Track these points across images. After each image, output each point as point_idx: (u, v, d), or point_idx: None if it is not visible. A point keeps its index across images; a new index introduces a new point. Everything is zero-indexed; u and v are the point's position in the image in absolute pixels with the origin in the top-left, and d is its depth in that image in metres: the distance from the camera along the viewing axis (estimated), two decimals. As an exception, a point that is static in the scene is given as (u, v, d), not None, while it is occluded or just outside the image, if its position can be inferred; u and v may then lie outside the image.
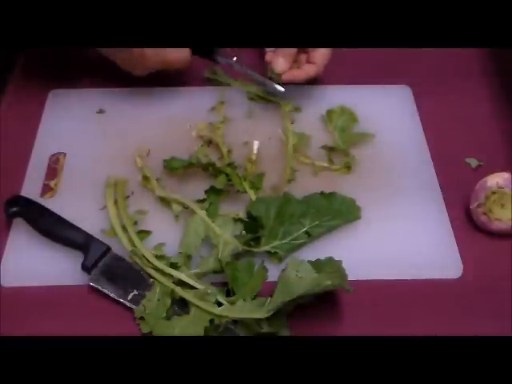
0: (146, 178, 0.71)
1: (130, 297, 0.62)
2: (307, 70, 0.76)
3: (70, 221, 0.65)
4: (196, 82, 0.83)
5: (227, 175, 0.69)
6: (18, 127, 0.76)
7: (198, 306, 0.60)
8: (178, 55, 0.74)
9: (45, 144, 0.75)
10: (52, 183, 0.72)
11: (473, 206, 0.68)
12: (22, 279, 0.64)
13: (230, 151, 0.74)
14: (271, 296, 0.58)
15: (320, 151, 0.75)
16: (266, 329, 0.58)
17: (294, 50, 0.75)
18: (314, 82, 0.81)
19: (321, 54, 0.75)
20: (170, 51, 0.74)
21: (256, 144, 0.75)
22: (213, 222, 0.65)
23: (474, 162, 0.75)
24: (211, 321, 0.59)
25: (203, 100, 0.80)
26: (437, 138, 0.77)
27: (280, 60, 0.74)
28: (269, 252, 0.64)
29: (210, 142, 0.75)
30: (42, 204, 0.67)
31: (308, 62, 0.76)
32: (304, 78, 0.76)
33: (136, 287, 0.62)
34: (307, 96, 0.81)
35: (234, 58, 0.79)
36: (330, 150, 0.75)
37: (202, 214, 0.65)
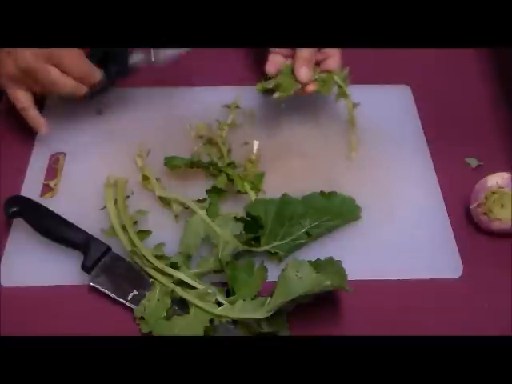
0: (146, 178, 0.71)
1: (129, 297, 0.62)
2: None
3: (70, 221, 0.65)
4: (196, 82, 0.83)
5: (228, 175, 0.69)
6: (18, 127, 0.76)
7: (198, 306, 0.60)
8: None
9: (45, 144, 0.75)
10: (52, 183, 0.72)
11: (473, 206, 0.68)
12: (22, 279, 0.64)
13: (229, 151, 0.74)
14: (271, 296, 0.58)
15: None
16: (266, 329, 0.58)
17: (313, 55, 0.70)
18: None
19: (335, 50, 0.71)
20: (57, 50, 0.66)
21: (256, 144, 0.75)
22: (213, 221, 0.65)
23: (473, 162, 0.75)
24: (211, 321, 0.59)
25: (204, 100, 0.80)
26: (437, 138, 0.77)
27: (303, 70, 0.70)
28: (269, 252, 0.64)
29: (209, 142, 0.75)
30: (42, 204, 0.67)
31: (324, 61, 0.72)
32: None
33: (136, 287, 0.62)
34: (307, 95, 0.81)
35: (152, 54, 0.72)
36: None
37: (202, 213, 0.65)
